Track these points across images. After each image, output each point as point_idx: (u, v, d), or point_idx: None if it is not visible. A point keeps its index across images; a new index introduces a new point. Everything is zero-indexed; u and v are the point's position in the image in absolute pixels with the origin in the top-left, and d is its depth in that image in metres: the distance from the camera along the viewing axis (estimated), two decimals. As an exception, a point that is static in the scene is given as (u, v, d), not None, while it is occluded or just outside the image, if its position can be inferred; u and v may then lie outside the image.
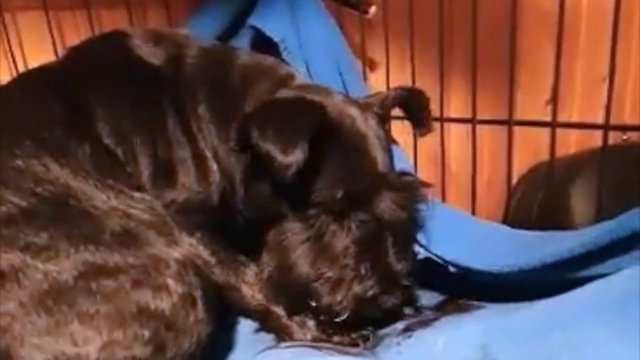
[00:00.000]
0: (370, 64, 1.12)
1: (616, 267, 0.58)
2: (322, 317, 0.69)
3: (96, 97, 0.73)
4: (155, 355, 0.55)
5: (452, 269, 0.75)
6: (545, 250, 0.64)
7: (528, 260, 0.65)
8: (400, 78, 1.06)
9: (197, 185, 0.74)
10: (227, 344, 0.71)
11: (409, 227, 0.72)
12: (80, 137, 0.69)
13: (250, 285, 0.72)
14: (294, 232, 0.69)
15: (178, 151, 0.74)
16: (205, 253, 0.71)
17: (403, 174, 0.75)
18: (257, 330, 0.73)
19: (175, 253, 0.62)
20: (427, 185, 0.75)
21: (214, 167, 0.75)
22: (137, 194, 0.68)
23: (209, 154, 0.75)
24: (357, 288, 0.67)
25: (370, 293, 0.67)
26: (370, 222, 0.68)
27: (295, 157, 0.61)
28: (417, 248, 0.77)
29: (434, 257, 0.77)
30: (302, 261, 0.68)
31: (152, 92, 0.75)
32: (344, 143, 0.69)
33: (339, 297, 0.67)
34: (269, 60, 0.82)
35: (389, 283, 0.68)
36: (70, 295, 0.54)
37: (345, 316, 0.67)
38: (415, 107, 0.81)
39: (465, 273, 0.73)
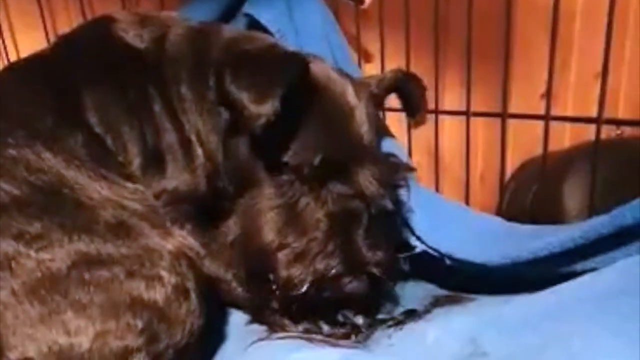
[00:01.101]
0: (365, 55, 1.12)
1: (608, 262, 0.58)
2: (278, 293, 0.66)
3: (84, 85, 0.72)
4: (148, 345, 0.55)
5: (447, 261, 0.75)
6: (537, 243, 0.64)
7: (520, 253, 0.65)
8: (395, 70, 1.05)
9: (185, 171, 0.73)
10: (219, 336, 0.71)
11: (387, 206, 0.69)
12: (71, 125, 0.68)
13: (240, 278, 0.72)
14: (265, 197, 0.67)
15: (165, 137, 0.73)
16: (196, 245, 0.69)
17: (389, 154, 0.74)
18: (249, 323, 0.73)
19: (169, 245, 0.62)
20: (412, 169, 0.74)
21: (199, 150, 0.74)
22: (130, 185, 0.68)
23: (193, 137, 0.74)
24: (319, 264, 0.64)
25: (332, 272, 0.64)
26: (348, 197, 0.66)
27: (266, 108, 0.59)
28: (413, 241, 0.77)
29: (430, 251, 0.77)
30: (268, 228, 0.66)
31: (137, 77, 0.74)
32: (329, 108, 0.68)
33: (298, 270, 0.65)
34: (258, 33, 0.81)
35: (354, 266, 0.65)
36: (64, 285, 0.54)
37: (302, 291, 0.64)
38: (411, 93, 0.80)
39: (460, 265, 0.73)
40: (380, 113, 0.99)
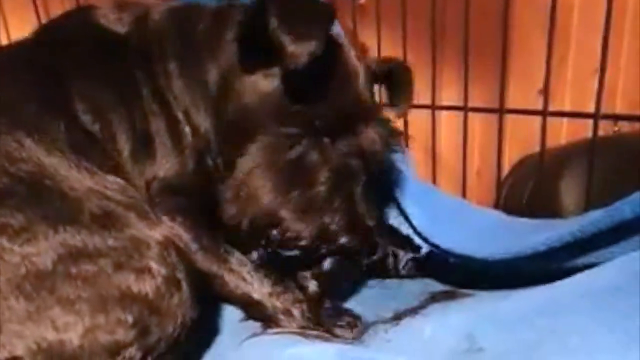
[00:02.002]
0: (362, 50, 1.11)
1: (608, 257, 0.58)
2: (278, 249, 0.67)
3: (69, 73, 0.70)
4: (139, 339, 0.55)
5: (452, 259, 0.74)
6: (537, 237, 0.63)
7: (520, 248, 0.64)
8: (392, 66, 1.05)
9: (174, 153, 0.71)
10: (214, 330, 0.71)
11: (385, 166, 0.71)
12: (55, 114, 0.66)
13: (233, 274, 0.70)
14: (270, 149, 0.66)
15: (154, 121, 0.71)
16: (187, 239, 0.69)
17: (387, 119, 0.73)
18: (244, 319, 0.72)
19: (157, 234, 0.60)
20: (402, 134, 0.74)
21: (187, 129, 0.72)
22: (110, 177, 0.65)
23: (180, 115, 0.72)
24: (323, 219, 0.66)
25: (334, 227, 0.66)
26: (351, 154, 0.67)
27: (311, 46, 0.59)
28: (418, 241, 0.76)
29: (434, 250, 0.76)
30: (274, 183, 0.66)
31: (122, 62, 0.72)
32: (342, 64, 0.68)
33: (302, 225, 0.66)
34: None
35: (354, 222, 0.66)
36: (50, 281, 0.53)
37: (303, 244, 0.66)
38: (398, 81, 0.79)
39: (459, 261, 0.73)
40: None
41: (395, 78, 0.79)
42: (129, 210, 0.61)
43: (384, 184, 0.76)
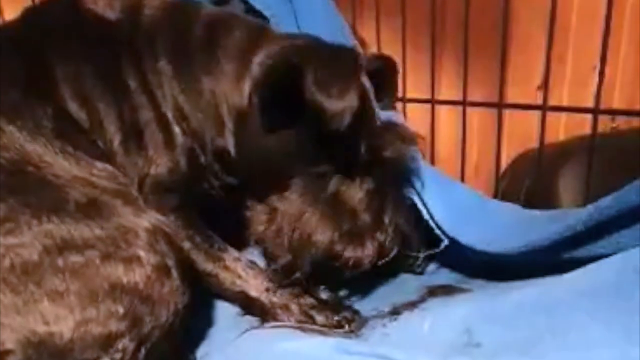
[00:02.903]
0: (361, 44, 1.11)
1: (615, 246, 0.57)
2: (345, 273, 0.69)
3: (55, 58, 0.68)
4: (131, 329, 0.54)
5: (469, 254, 0.73)
6: (551, 228, 0.62)
7: (537, 240, 0.64)
8: (391, 59, 1.05)
9: (165, 150, 0.70)
10: (211, 323, 0.71)
11: (407, 174, 0.74)
12: (40, 100, 0.65)
13: (228, 271, 0.70)
14: (311, 190, 0.67)
15: (143, 114, 0.70)
16: (179, 237, 0.68)
17: (397, 124, 0.74)
18: (241, 314, 0.72)
19: (144, 222, 0.59)
20: (419, 136, 0.74)
21: (177, 129, 0.71)
22: (98, 163, 0.64)
23: (169, 115, 0.71)
24: (379, 239, 0.68)
25: (388, 245, 0.68)
26: (379, 173, 0.68)
27: (352, 103, 0.59)
28: (438, 232, 0.76)
29: (453, 244, 0.75)
30: (324, 221, 0.67)
31: (110, 50, 0.70)
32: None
33: (361, 251, 0.67)
34: (237, 12, 0.79)
35: (400, 233, 0.69)
36: (37, 274, 0.52)
37: (365, 267, 0.68)
38: (383, 76, 0.79)
39: (479, 256, 0.72)
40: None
41: (381, 73, 0.78)
42: (115, 198, 0.60)
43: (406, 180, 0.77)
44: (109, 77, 0.69)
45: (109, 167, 0.65)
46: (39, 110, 0.64)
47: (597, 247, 0.60)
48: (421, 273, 0.80)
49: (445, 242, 0.75)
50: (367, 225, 0.68)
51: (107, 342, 0.53)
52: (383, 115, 0.74)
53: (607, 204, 0.57)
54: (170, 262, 0.59)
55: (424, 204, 0.77)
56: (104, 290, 0.53)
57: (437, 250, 0.76)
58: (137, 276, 0.55)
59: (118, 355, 0.53)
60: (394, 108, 0.85)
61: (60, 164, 0.60)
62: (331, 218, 0.67)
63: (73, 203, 0.56)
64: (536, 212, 0.78)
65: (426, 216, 0.76)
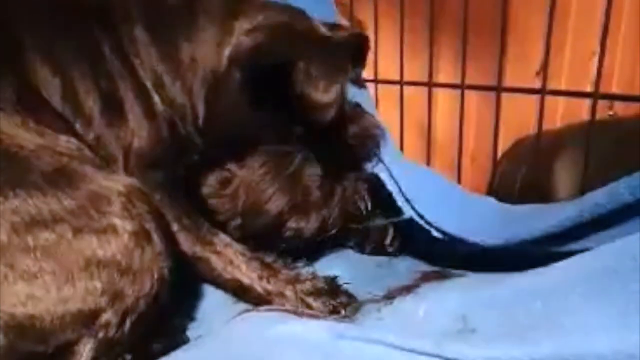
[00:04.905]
0: (358, 27, 1.10)
1: (607, 241, 0.57)
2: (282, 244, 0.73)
3: (23, 27, 0.65)
4: (113, 303, 0.52)
5: (435, 233, 0.74)
6: (534, 223, 0.63)
7: (515, 233, 0.64)
8: (389, 42, 1.04)
9: (145, 119, 0.68)
10: (205, 304, 0.70)
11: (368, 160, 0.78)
12: (5, 68, 0.62)
13: (220, 256, 0.68)
14: (274, 165, 0.70)
15: (120, 82, 0.67)
16: (167, 218, 0.65)
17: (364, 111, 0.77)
18: (235, 301, 0.71)
19: (117, 185, 0.56)
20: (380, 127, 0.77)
21: (156, 97, 0.69)
22: (63, 137, 0.61)
23: (148, 84, 0.69)
24: (324, 214, 0.73)
25: (331, 220, 0.74)
26: (339, 156, 0.73)
27: (337, 96, 0.61)
28: (401, 203, 0.77)
29: (417, 219, 0.75)
30: (279, 195, 0.71)
31: (82, 17, 0.68)
32: None
33: (305, 223, 0.72)
34: None
35: (348, 211, 0.75)
36: (8, 255, 0.49)
37: (306, 238, 0.73)
38: (354, 51, 0.77)
39: (452, 242, 0.72)
40: (373, 85, 0.98)
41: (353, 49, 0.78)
42: (83, 163, 0.57)
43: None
44: (82, 45, 0.67)
45: (74, 141, 0.62)
46: (3, 81, 0.61)
47: (588, 242, 0.60)
48: (393, 254, 0.81)
49: (407, 213, 0.76)
50: (315, 202, 0.73)
51: (88, 319, 0.52)
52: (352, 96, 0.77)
53: (597, 200, 0.57)
54: (150, 225, 0.56)
55: (394, 179, 0.78)
56: (79, 266, 0.51)
57: (397, 219, 0.77)
58: (113, 247, 0.53)
59: (102, 331, 0.52)
60: (361, 84, 0.86)
61: (24, 136, 0.57)
62: (285, 191, 0.71)
63: (39, 174, 0.53)
64: (515, 207, 0.78)
65: (391, 187, 0.77)
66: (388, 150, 0.80)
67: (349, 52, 0.66)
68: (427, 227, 0.74)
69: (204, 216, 0.70)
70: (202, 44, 0.69)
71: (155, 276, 0.55)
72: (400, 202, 0.76)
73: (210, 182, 0.73)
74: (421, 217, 0.75)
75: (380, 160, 0.78)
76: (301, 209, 0.72)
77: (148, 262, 0.55)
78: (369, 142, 0.76)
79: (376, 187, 0.78)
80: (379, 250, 0.82)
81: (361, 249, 0.84)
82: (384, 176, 0.78)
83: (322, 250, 0.82)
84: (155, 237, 0.56)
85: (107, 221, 0.53)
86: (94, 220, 0.53)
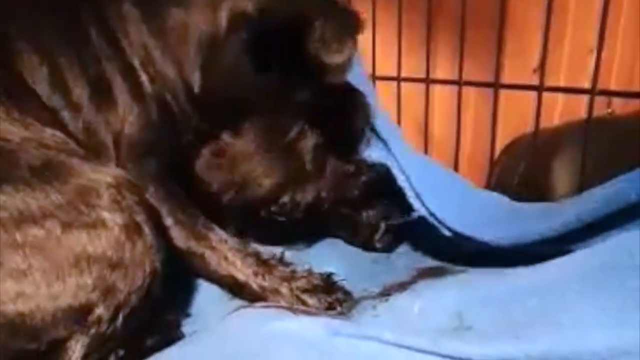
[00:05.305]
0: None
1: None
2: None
3: (7, 14, 0.64)
4: (105, 299, 0.52)
5: (446, 231, 0.72)
6: (543, 223, 0.62)
7: (523, 233, 0.63)
8: (387, 38, 1.03)
9: (134, 101, 0.66)
10: (200, 300, 0.70)
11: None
12: None
13: (215, 252, 0.67)
14: (270, 134, 0.70)
15: (108, 65, 0.66)
16: (160, 212, 0.65)
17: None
18: (230, 298, 0.70)
19: (106, 177, 0.55)
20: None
21: (144, 76, 0.67)
22: (48, 129, 0.59)
23: (136, 63, 0.67)
24: (317, 187, 0.73)
25: (324, 194, 0.74)
26: (334, 130, 0.73)
27: (349, 57, 0.61)
28: (412, 200, 0.75)
29: (427, 216, 0.74)
30: (273, 167, 0.71)
31: (69, 2, 0.67)
32: None
33: (301, 196, 0.72)
34: None
35: (340, 187, 0.75)
36: None
37: (299, 213, 0.73)
38: None
39: (458, 239, 0.71)
40: (370, 81, 0.97)
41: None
42: (71, 156, 0.56)
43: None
44: (68, 30, 0.66)
45: (59, 134, 0.61)
46: None
47: (587, 244, 0.59)
48: (384, 250, 0.80)
49: (418, 211, 0.74)
50: (309, 174, 0.73)
51: (80, 315, 0.51)
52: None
53: (604, 198, 0.56)
54: (140, 218, 0.55)
55: (402, 171, 0.77)
56: (69, 262, 0.50)
57: (409, 218, 0.76)
58: (103, 242, 0.52)
59: (94, 327, 0.52)
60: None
61: (8, 128, 0.56)
62: (280, 163, 0.71)
63: (26, 168, 0.52)
64: (521, 205, 0.77)
65: (402, 183, 0.76)
66: (398, 145, 0.79)
67: (355, 14, 0.65)
68: (437, 224, 0.73)
69: (199, 207, 0.69)
70: (195, 9, 0.68)
71: (147, 270, 0.55)
72: (411, 198, 0.75)
73: (204, 154, 0.72)
74: (432, 214, 0.73)
75: (392, 155, 0.77)
76: (295, 180, 0.72)
77: (139, 256, 0.54)
78: (360, 115, 0.76)
79: (383, 180, 0.77)
80: (367, 245, 0.82)
81: (350, 242, 0.83)
82: (395, 171, 0.76)
83: (313, 239, 0.82)
84: (146, 229, 0.55)
85: (97, 215, 0.52)
86: (83, 215, 0.52)
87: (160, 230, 0.58)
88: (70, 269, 0.50)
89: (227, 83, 0.68)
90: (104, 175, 0.55)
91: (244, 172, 0.70)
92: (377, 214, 0.80)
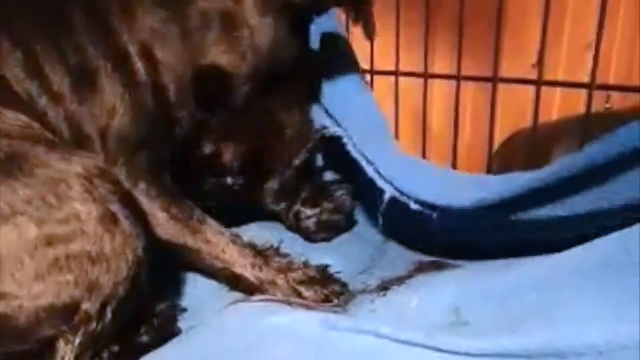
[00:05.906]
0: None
1: (569, 209, 0.56)
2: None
3: None
4: (90, 294, 0.50)
5: (414, 206, 0.70)
6: (516, 181, 0.60)
7: (489, 194, 0.61)
8: (385, 32, 1.03)
9: (125, 92, 0.63)
10: (197, 295, 0.70)
11: None
12: None
13: (211, 245, 0.66)
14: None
15: (94, 54, 0.62)
16: (153, 209, 0.63)
17: None
18: (227, 290, 0.70)
19: (75, 167, 0.52)
20: None
21: (139, 65, 0.64)
22: (10, 113, 0.56)
23: (132, 50, 0.64)
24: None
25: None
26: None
27: None
28: (381, 183, 0.74)
29: (398, 196, 0.72)
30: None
31: None
32: None
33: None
34: None
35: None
36: None
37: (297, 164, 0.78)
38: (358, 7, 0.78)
39: (443, 216, 0.68)
40: (369, 76, 0.97)
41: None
42: (36, 145, 0.53)
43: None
44: (47, 16, 0.63)
45: (23, 117, 0.57)
46: None
47: (555, 209, 0.58)
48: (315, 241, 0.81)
49: (389, 192, 0.72)
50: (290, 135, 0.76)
51: (66, 314, 0.50)
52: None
53: (594, 151, 0.54)
54: (115, 207, 0.53)
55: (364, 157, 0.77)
56: (47, 261, 0.48)
57: (381, 202, 0.75)
58: (80, 237, 0.50)
59: (83, 324, 0.51)
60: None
61: None
62: (272, 131, 0.75)
63: None
64: (489, 176, 0.77)
65: (370, 172, 0.76)
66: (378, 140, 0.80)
67: None
68: (404, 199, 0.70)
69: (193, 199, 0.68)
70: None
71: (130, 259, 0.53)
72: (380, 183, 0.74)
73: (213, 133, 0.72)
74: (400, 192, 0.71)
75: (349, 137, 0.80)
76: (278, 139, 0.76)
77: (120, 247, 0.52)
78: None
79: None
80: (301, 231, 0.82)
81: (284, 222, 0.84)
82: (362, 161, 0.77)
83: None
84: (123, 218, 0.53)
85: (69, 209, 0.50)
86: (55, 209, 0.50)
87: (139, 216, 0.56)
88: (48, 267, 0.49)
89: (273, 57, 0.69)
90: (72, 165, 0.52)
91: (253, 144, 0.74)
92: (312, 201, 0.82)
